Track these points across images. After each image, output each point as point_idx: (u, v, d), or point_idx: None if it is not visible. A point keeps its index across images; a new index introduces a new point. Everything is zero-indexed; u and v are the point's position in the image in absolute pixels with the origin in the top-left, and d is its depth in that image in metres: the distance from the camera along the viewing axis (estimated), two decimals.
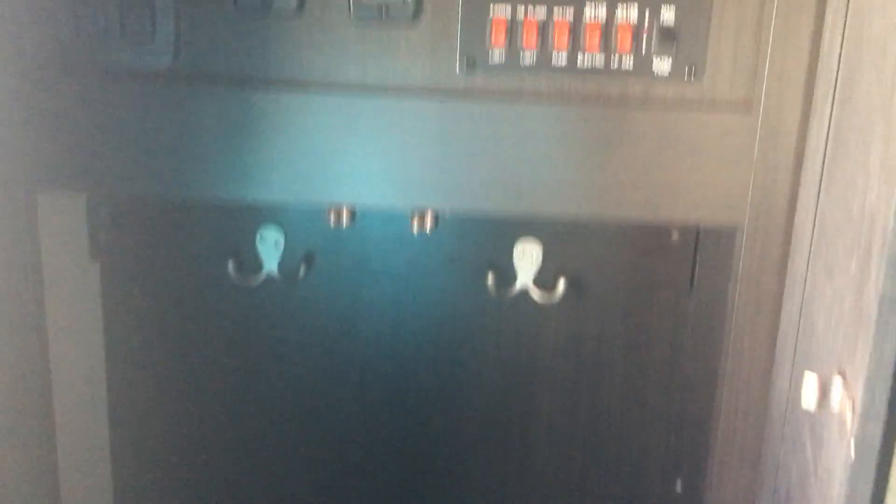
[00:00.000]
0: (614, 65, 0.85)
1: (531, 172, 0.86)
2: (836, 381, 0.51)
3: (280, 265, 1.13)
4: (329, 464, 1.24)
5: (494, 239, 1.11)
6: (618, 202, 0.87)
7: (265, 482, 1.24)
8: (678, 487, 1.14)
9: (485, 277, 1.11)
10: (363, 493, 1.24)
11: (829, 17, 0.77)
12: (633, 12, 0.83)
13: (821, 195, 0.75)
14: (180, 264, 1.16)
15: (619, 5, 0.83)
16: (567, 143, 0.86)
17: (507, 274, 1.11)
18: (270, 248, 1.14)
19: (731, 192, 0.85)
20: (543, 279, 1.11)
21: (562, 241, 1.11)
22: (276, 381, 1.21)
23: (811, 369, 0.60)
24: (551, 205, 0.87)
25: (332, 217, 0.98)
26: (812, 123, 0.81)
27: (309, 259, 1.14)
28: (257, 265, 1.13)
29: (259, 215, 1.12)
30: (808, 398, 0.52)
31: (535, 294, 1.11)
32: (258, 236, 1.14)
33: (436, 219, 1.00)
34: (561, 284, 1.10)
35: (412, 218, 0.99)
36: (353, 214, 0.99)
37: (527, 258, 1.12)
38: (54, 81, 0.86)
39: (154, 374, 1.20)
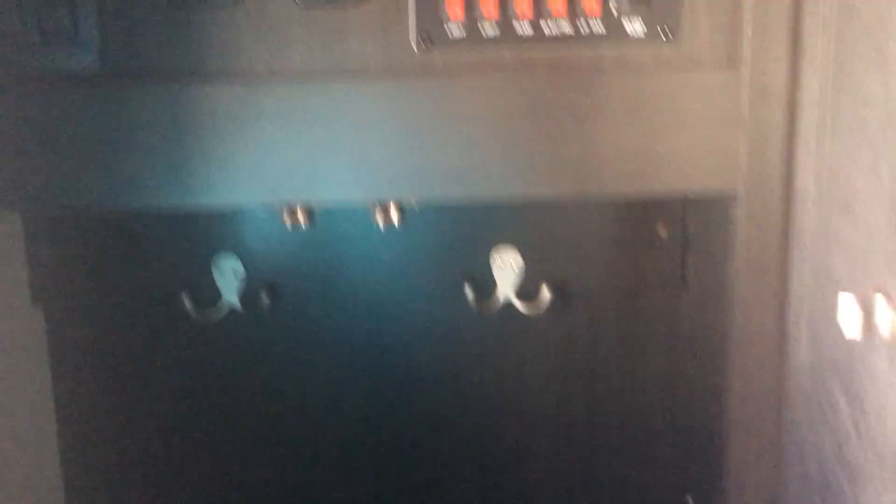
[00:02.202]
0: (584, 30, 0.78)
1: (501, 152, 0.79)
2: (880, 300, 0.42)
3: (241, 295, 1.04)
4: (309, 499, 1.12)
5: (468, 249, 1.03)
6: (598, 177, 0.79)
7: None
8: (690, 503, 1.04)
9: (462, 291, 1.02)
10: None
11: None
12: None
13: (826, 139, 0.68)
14: (131, 303, 1.06)
15: None
16: (538, 116, 0.78)
17: (486, 286, 1.03)
18: (229, 277, 1.05)
19: (721, 156, 0.78)
20: (526, 289, 1.03)
21: (541, 245, 1.03)
22: (246, 420, 1.10)
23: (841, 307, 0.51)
24: (526, 187, 0.80)
25: (288, 217, 0.90)
26: (804, 70, 0.74)
27: (271, 286, 1.05)
28: (215, 297, 1.04)
29: (212, 243, 1.04)
30: (851, 323, 0.43)
31: (519, 305, 1.02)
32: (213, 266, 1.05)
33: (401, 211, 0.92)
34: (545, 293, 1.02)
35: (375, 211, 0.91)
36: (310, 213, 0.91)
37: (506, 268, 1.04)
38: None
39: (109, 426, 1.09)
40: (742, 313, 0.81)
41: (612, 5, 0.78)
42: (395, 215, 0.91)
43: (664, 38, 0.78)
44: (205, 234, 1.03)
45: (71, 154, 0.79)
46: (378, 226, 0.91)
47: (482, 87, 0.78)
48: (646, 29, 0.78)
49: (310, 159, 0.79)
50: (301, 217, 0.90)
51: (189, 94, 0.78)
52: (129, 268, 1.05)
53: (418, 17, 0.78)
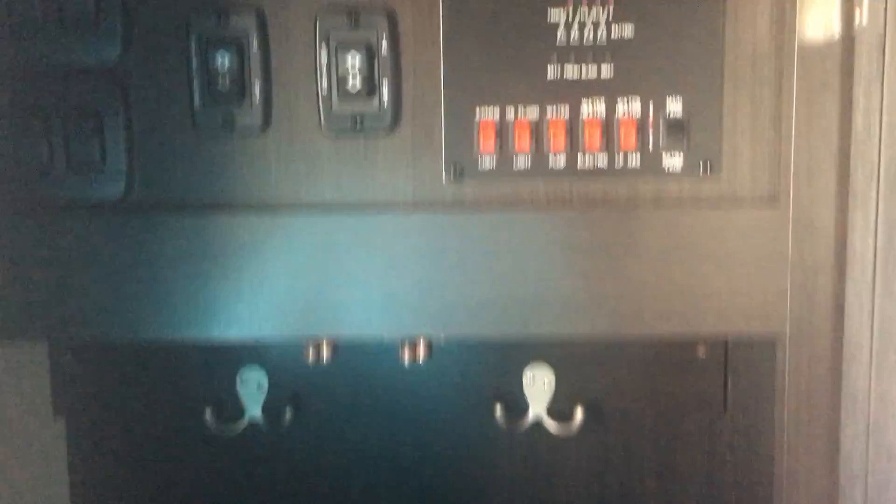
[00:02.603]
0: (619, 164, 0.76)
1: (534, 289, 0.76)
2: None
3: (263, 409, 1.01)
4: None
5: (500, 365, 0.99)
6: (635, 317, 0.76)
7: None
8: None
9: (492, 408, 0.99)
10: None
11: (858, 92, 0.68)
12: (636, 105, 0.75)
13: (876, 280, 0.64)
14: (154, 416, 1.04)
15: (620, 99, 0.75)
16: (572, 252, 0.75)
17: (516, 404, 0.99)
18: (253, 391, 1.03)
19: (765, 298, 0.74)
20: (558, 407, 0.99)
21: (576, 363, 0.99)
22: None
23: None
24: (559, 325, 0.76)
25: (311, 353, 0.87)
26: (854, 211, 0.71)
27: (295, 400, 1.02)
28: (238, 411, 1.01)
29: (239, 355, 1.01)
30: None
31: (550, 425, 0.98)
32: (239, 379, 1.02)
33: (429, 347, 0.88)
34: (578, 413, 0.98)
35: (402, 347, 0.88)
36: (334, 348, 0.88)
37: (538, 385, 1.00)
38: None
39: None
40: (789, 459, 0.76)
41: (649, 139, 0.75)
42: (422, 352, 0.88)
43: (703, 174, 0.75)
44: (231, 347, 1.01)
45: (95, 283, 0.78)
46: (403, 363, 0.88)
47: (514, 221, 0.76)
48: (684, 163, 0.75)
49: (336, 293, 0.77)
50: (325, 352, 0.87)
51: (215, 225, 0.77)
52: (154, 382, 1.03)
53: (449, 149, 0.76)
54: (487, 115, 0.75)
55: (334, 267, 0.77)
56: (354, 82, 0.75)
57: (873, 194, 0.65)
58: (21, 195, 0.78)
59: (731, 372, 0.97)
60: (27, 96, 0.76)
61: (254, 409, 1.01)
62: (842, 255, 0.73)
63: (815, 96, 0.72)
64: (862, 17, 0.69)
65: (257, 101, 0.76)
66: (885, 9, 0.68)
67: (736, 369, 0.96)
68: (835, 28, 0.71)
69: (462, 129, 0.76)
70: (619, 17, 0.74)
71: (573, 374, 0.98)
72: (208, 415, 1.01)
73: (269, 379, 1.01)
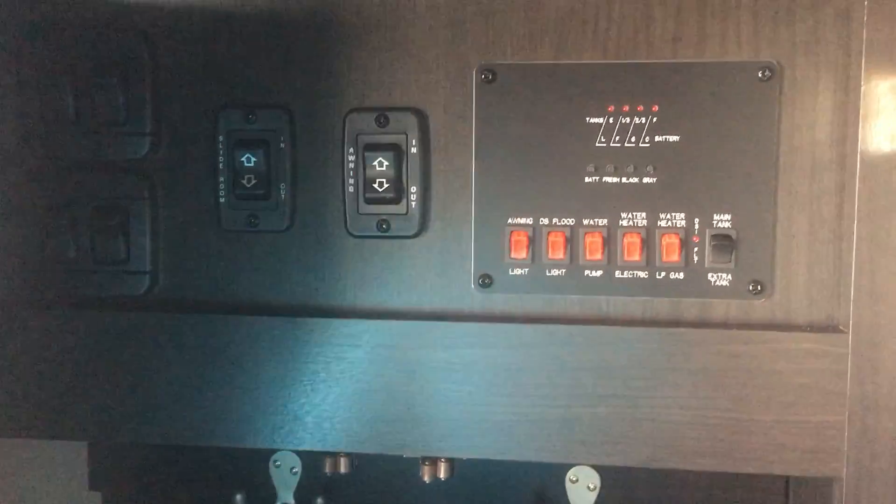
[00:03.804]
0: (660, 276, 0.70)
1: (565, 410, 0.71)
2: None
3: (295, 495, 0.98)
4: None
5: (542, 465, 0.94)
6: (676, 449, 0.69)
7: None
8: None
9: None
10: None
11: None
12: (681, 219, 0.69)
13: None
14: (189, 494, 1.03)
15: (662, 215, 0.70)
16: (607, 372, 0.70)
17: None
18: (286, 475, 1.00)
19: (820, 435, 0.67)
20: None
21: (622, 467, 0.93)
22: None
23: None
24: (591, 454, 0.71)
25: (328, 464, 0.84)
26: None
27: (328, 488, 0.99)
28: (271, 496, 0.99)
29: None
30: None
31: None
32: (273, 463, 1.00)
33: (451, 466, 0.84)
34: None
35: (422, 465, 0.84)
36: (351, 460, 0.85)
37: (581, 488, 0.94)
38: (23, 318, 0.77)
39: None
40: None
41: (693, 250, 0.70)
42: (443, 470, 0.83)
43: (753, 293, 0.69)
44: None
45: (114, 381, 0.76)
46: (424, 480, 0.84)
47: (546, 334, 0.71)
48: (732, 279, 0.69)
49: (354, 404, 0.73)
50: (342, 464, 0.83)
51: (235, 325, 0.75)
52: (189, 462, 1.01)
53: (478, 254, 0.73)
54: (520, 221, 0.71)
55: (354, 377, 0.73)
56: (382, 184, 0.72)
57: None
58: (47, 290, 0.78)
59: (790, 495, 0.89)
60: (55, 191, 0.76)
61: (286, 496, 0.99)
62: None
63: (878, 212, 0.65)
64: None
65: (283, 200, 0.74)
66: None
67: (796, 495, 0.88)
68: None
69: (493, 236, 0.72)
70: (663, 124, 0.69)
71: (618, 477, 0.92)
72: (240, 500, 0.99)
73: (303, 463, 0.99)
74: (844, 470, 0.66)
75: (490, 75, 0.71)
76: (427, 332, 0.72)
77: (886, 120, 0.65)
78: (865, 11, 0.65)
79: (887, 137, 0.65)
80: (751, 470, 0.68)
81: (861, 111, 0.65)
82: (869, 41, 0.65)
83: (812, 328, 0.68)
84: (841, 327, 0.67)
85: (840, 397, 0.66)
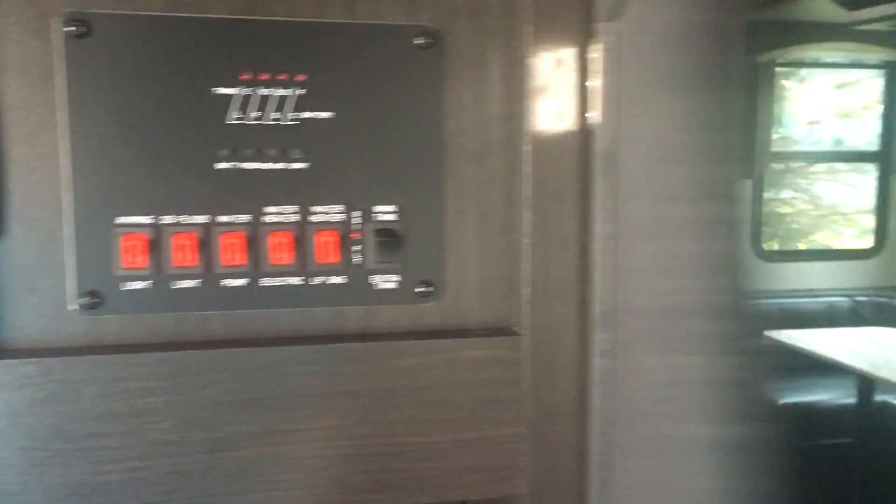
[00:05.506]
0: (315, 282, 0.58)
1: (207, 457, 0.56)
2: None
3: None
4: None
5: None
6: (343, 487, 0.58)
7: None
8: None
9: None
10: None
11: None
12: (337, 213, 0.58)
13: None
14: None
15: (315, 209, 0.57)
16: (258, 406, 0.56)
17: None
18: None
19: (500, 451, 0.59)
20: None
21: None
22: None
23: None
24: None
25: None
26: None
27: None
28: None
29: None
30: None
31: None
32: None
33: None
34: None
35: None
36: None
37: None
38: None
39: None
40: None
41: (353, 249, 0.58)
42: None
43: (422, 296, 0.59)
44: None
45: None
46: None
47: (176, 363, 0.55)
48: (399, 281, 0.59)
49: None
50: None
51: None
52: None
53: (80, 266, 0.55)
54: (133, 222, 0.55)
55: None
56: None
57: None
58: None
59: None
60: None
61: None
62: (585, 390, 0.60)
63: (549, 199, 0.58)
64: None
65: None
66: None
67: None
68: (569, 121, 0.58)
69: (97, 241, 0.55)
70: (312, 98, 0.57)
71: None
72: None
73: None
74: (523, 487, 0.60)
75: (82, 27, 0.53)
76: (11, 372, 0.53)
77: (555, 96, 0.58)
78: None
79: (556, 115, 0.58)
80: (425, 501, 0.59)
81: (527, 85, 0.58)
82: (536, 8, 0.57)
83: (486, 332, 0.60)
84: (515, 328, 0.60)
85: (517, 406, 0.59)
